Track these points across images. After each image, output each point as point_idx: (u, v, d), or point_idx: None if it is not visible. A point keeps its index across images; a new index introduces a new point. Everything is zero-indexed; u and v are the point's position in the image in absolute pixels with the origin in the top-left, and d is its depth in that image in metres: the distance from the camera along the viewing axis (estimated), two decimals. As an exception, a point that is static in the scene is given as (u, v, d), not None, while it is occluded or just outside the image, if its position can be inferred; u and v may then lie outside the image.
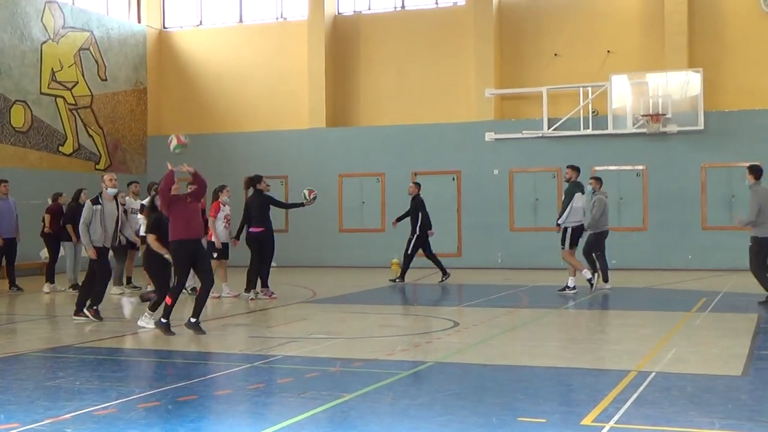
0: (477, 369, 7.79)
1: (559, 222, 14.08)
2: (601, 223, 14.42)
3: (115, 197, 11.58)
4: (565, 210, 13.93)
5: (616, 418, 5.71)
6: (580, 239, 14.28)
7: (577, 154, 20.40)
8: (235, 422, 5.86)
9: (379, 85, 22.54)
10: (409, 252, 16.22)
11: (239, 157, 22.72)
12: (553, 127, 20.45)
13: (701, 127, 19.26)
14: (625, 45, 20.73)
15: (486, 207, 20.86)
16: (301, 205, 13.99)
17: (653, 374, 7.15)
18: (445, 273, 16.29)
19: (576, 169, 14.29)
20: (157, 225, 10.22)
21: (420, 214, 16.21)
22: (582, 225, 14.12)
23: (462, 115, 21.60)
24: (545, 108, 20.40)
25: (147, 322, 10.38)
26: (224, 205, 13.99)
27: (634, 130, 19.71)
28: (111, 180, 11.42)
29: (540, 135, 20.55)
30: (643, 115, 19.50)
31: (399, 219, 16.81)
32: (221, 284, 13.92)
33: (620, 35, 20.80)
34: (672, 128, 19.46)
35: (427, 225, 16.26)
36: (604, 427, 5.49)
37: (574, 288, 14.05)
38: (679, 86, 19.51)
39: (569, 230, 14.01)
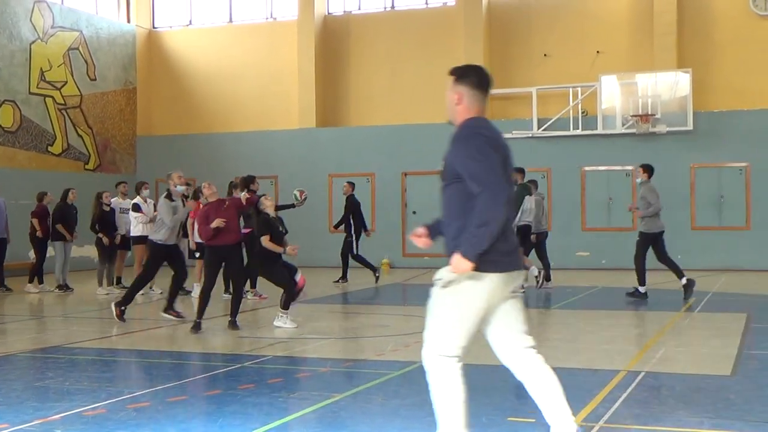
0: (466, 369, 7.78)
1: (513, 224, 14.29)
2: (540, 224, 14.87)
3: (183, 195, 11.50)
4: (517, 212, 14.25)
5: (605, 417, 5.72)
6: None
7: (567, 154, 20.47)
8: (225, 422, 5.85)
9: (369, 85, 22.54)
10: (356, 253, 16.19)
11: (229, 157, 22.68)
12: (542, 128, 20.49)
13: (690, 127, 19.33)
14: (615, 45, 20.79)
15: (476, 207, 20.86)
16: (292, 206, 13.97)
17: (642, 374, 7.17)
18: (344, 277, 16.33)
19: (521, 172, 14.64)
20: (267, 225, 10.35)
21: (352, 215, 16.19)
22: (529, 225, 14.57)
23: (452, 115, 21.58)
24: (535, 108, 20.45)
25: (284, 322, 10.29)
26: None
27: (623, 131, 19.77)
28: (180, 177, 11.36)
29: (530, 135, 20.58)
30: (632, 116, 19.56)
31: (338, 224, 16.67)
32: (193, 283, 14.02)
33: (609, 35, 20.86)
34: (661, 128, 19.53)
35: (360, 226, 16.28)
36: (593, 426, 5.50)
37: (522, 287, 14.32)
38: (668, 86, 19.58)
39: (515, 230, 14.30)
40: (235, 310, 10.29)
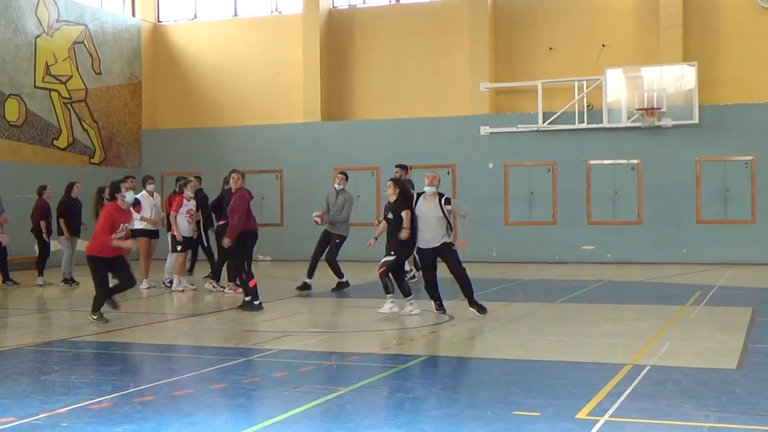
0: (472, 363, 7.81)
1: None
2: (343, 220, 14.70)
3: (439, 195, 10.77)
4: None
5: (610, 411, 5.72)
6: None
7: (572, 148, 20.43)
8: (230, 416, 5.87)
9: (374, 79, 22.51)
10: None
11: (234, 151, 22.70)
12: (548, 121, 20.46)
13: (696, 120, 19.28)
14: (620, 39, 20.73)
15: (481, 201, 20.84)
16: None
17: (648, 368, 7.17)
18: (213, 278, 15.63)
19: (405, 168, 15.29)
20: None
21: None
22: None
23: (457, 109, 21.59)
24: (540, 102, 20.41)
25: (390, 308, 10.58)
26: (188, 200, 14.07)
27: (628, 124, 19.72)
28: (432, 179, 10.76)
29: (535, 129, 20.55)
30: (637, 109, 19.51)
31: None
32: (174, 276, 14.18)
33: (615, 29, 20.81)
34: (667, 122, 19.48)
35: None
36: (598, 420, 5.50)
37: (413, 277, 14.86)
38: (673, 80, 19.52)
39: None
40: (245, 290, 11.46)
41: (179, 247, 14.04)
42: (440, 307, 10.78)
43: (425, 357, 7.87)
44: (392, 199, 10.91)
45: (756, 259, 19.00)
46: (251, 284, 11.42)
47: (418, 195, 10.76)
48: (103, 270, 10.25)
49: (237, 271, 12.54)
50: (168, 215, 14.49)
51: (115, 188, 10.71)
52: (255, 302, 11.39)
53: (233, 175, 12.10)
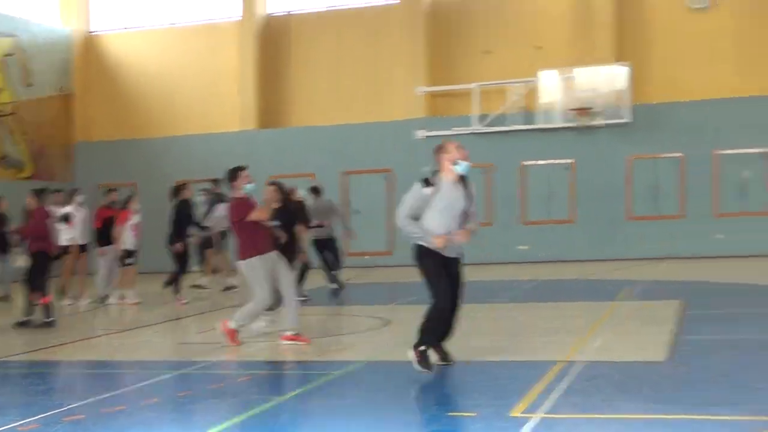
0: (407, 367, 7.79)
1: (206, 224, 15.27)
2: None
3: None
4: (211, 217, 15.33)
5: (544, 408, 5.77)
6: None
7: (508, 149, 20.64)
8: (163, 431, 5.77)
9: (311, 85, 22.45)
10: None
11: (172, 161, 22.41)
12: (483, 124, 20.62)
13: (628, 119, 19.65)
14: (554, 41, 20.99)
15: (419, 204, 20.92)
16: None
17: (581, 364, 7.26)
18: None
19: (216, 181, 15.63)
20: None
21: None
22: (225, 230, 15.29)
23: (394, 113, 21.63)
24: (476, 105, 20.57)
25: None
26: (134, 213, 13.89)
27: (563, 125, 20.01)
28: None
29: (471, 131, 20.70)
30: (570, 110, 19.80)
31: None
32: (127, 290, 14.05)
33: (549, 31, 21.07)
34: (599, 122, 19.80)
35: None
36: (532, 417, 5.54)
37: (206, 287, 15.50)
38: (606, 80, 19.84)
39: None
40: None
41: (130, 260, 13.86)
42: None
43: (363, 362, 7.85)
44: (276, 205, 10.38)
45: (686, 253, 19.42)
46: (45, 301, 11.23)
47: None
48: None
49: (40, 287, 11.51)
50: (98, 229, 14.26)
51: None
52: (48, 319, 11.15)
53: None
